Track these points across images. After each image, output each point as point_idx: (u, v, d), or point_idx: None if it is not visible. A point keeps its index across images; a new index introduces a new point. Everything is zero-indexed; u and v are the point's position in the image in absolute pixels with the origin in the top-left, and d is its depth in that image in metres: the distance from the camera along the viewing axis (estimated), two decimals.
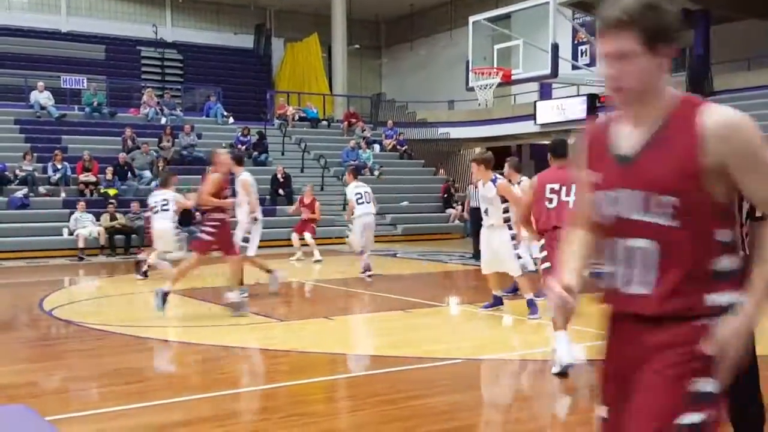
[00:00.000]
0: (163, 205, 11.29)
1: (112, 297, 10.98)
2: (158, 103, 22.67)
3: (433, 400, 5.32)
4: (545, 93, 24.32)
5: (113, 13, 27.85)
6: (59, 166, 18.04)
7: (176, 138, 20.54)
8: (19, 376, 6.08)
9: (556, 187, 5.86)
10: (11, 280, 12.65)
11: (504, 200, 7.81)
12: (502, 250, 7.87)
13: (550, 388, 5.73)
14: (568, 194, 5.78)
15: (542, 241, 6.02)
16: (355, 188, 11.86)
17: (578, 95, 22.42)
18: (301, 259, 14.67)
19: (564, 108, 22.63)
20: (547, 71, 14.07)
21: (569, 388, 5.69)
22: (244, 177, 9.17)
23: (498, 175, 8.12)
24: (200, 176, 18.86)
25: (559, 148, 6.16)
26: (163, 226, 11.23)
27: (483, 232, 8.14)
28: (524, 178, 9.23)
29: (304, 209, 15.45)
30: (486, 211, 7.98)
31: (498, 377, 6.13)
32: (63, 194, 17.58)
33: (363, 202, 11.69)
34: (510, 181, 8.75)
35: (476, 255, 14.87)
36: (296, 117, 24.74)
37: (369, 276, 11.46)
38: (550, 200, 5.89)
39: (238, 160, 9.39)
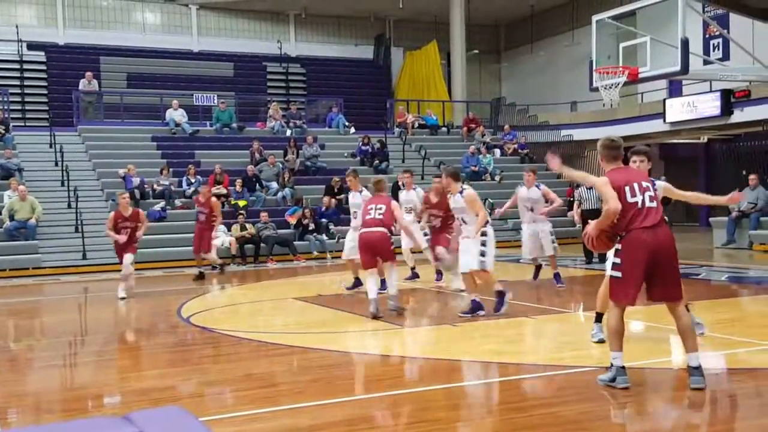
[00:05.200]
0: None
1: (243, 304, 11.40)
2: (283, 116, 23.41)
3: (563, 409, 5.18)
4: (675, 90, 23.31)
5: (240, 31, 29.05)
6: (193, 180, 18.95)
7: (300, 149, 21.12)
8: (161, 380, 6.40)
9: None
10: (152, 288, 13.36)
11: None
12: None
13: (684, 398, 5.45)
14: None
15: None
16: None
17: (711, 91, 21.35)
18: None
19: (696, 105, 21.60)
20: (677, 68, 13.45)
21: (704, 400, 5.39)
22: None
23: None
24: (323, 186, 19.43)
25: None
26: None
27: None
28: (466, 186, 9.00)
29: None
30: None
31: (633, 387, 5.89)
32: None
33: None
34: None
35: (588, 258, 14.47)
36: (416, 124, 24.88)
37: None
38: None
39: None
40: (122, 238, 11.50)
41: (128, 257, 11.58)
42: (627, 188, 5.41)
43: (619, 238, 5.46)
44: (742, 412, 5.23)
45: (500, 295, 8.88)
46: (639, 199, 5.40)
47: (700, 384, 5.35)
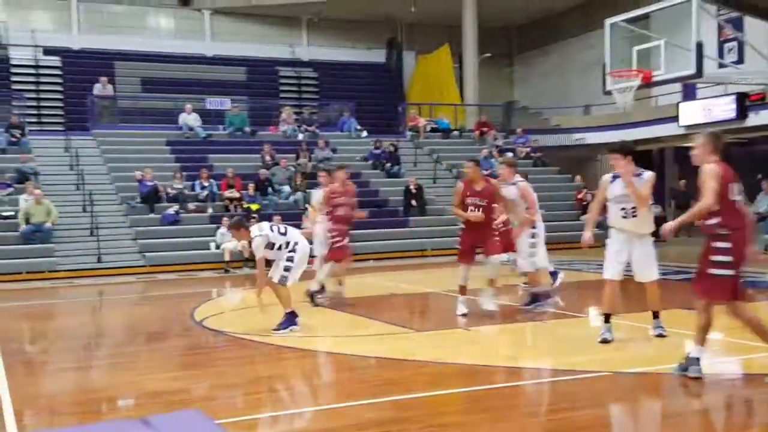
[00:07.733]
0: None
1: (256, 308, 11.40)
2: (296, 120, 23.46)
3: (577, 414, 5.16)
4: (689, 93, 23.16)
5: (253, 36, 29.13)
6: (206, 184, 19.03)
7: (312, 153, 21.17)
8: (174, 383, 6.43)
9: None
10: (165, 292, 13.42)
11: None
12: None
13: (699, 404, 5.42)
14: None
15: None
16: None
17: (725, 94, 21.21)
18: None
19: (710, 108, 21.47)
20: (692, 71, 13.39)
21: (720, 405, 5.36)
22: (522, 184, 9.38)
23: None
24: None
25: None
26: None
27: None
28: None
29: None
30: None
31: (645, 392, 5.85)
32: (210, 210, 18.51)
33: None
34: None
35: None
36: (428, 128, 24.87)
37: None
38: None
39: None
40: None
41: None
42: (734, 186, 5.51)
43: (722, 236, 5.45)
44: (759, 418, 5.19)
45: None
46: (738, 198, 5.55)
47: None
